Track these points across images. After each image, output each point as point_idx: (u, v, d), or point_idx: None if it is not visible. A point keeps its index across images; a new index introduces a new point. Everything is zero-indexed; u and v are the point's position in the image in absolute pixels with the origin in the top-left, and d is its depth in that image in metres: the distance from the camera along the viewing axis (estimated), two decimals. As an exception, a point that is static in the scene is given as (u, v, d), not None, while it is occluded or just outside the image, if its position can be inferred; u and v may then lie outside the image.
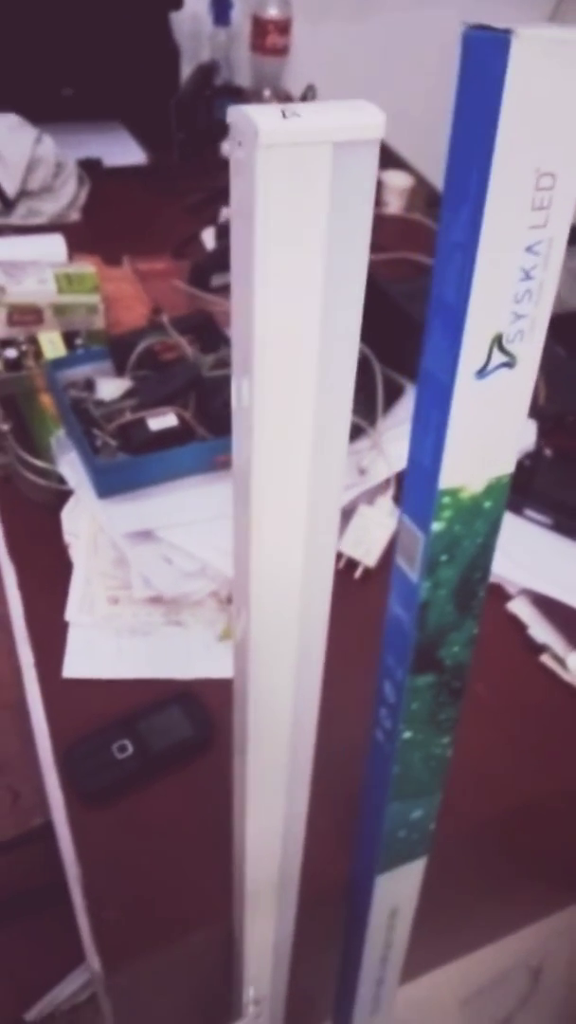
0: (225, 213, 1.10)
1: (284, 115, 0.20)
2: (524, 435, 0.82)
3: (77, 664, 0.61)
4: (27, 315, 0.74)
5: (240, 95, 1.37)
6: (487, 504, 0.35)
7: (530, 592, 0.69)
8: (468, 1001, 0.97)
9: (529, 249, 0.29)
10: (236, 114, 0.21)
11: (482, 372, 0.31)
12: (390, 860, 0.49)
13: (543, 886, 0.84)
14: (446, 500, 0.34)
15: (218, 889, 0.50)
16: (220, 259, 0.91)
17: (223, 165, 1.23)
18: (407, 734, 0.42)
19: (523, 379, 0.32)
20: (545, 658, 0.65)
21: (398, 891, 0.51)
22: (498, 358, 0.31)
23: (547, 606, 0.68)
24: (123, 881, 0.51)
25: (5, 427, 0.70)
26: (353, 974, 0.56)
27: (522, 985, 1.00)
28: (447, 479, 0.33)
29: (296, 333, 0.24)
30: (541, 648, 0.66)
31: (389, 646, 0.41)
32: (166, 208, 1.16)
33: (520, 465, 0.80)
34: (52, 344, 0.74)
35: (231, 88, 1.36)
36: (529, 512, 0.75)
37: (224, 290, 0.90)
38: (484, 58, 0.25)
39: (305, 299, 0.23)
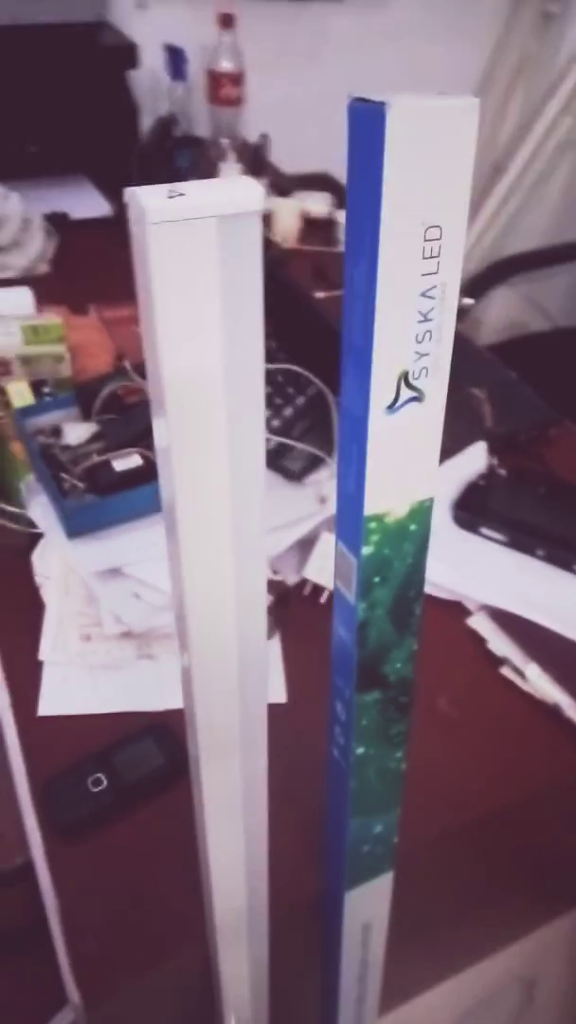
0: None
1: (170, 195, 0.22)
2: (476, 457, 0.85)
3: (52, 702, 0.63)
4: (-6, 367, 0.76)
5: (198, 144, 1.42)
6: (412, 527, 0.38)
7: (489, 607, 0.71)
8: (464, 1018, 0.97)
9: (424, 294, 0.31)
10: (130, 195, 0.23)
11: (392, 407, 0.34)
12: (357, 876, 0.50)
13: (526, 899, 0.85)
14: (373, 525, 0.36)
15: (196, 915, 0.51)
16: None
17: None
18: (360, 750, 0.44)
19: (432, 411, 0.35)
20: (505, 670, 0.67)
21: (368, 907, 0.53)
22: (406, 393, 0.34)
23: (505, 620, 0.70)
24: (101, 912, 0.53)
25: (-24, 475, 0.73)
26: (332, 993, 0.57)
27: (516, 999, 1.00)
28: (372, 506, 0.36)
29: (201, 379, 0.26)
30: (501, 661, 0.68)
31: (336, 666, 0.43)
32: (131, 256, 1.20)
33: (475, 485, 0.83)
34: (20, 394, 0.77)
35: (190, 139, 1.41)
36: (484, 531, 0.78)
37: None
38: (366, 127, 0.28)
39: (206, 351, 0.26)
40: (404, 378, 0.33)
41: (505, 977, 1.00)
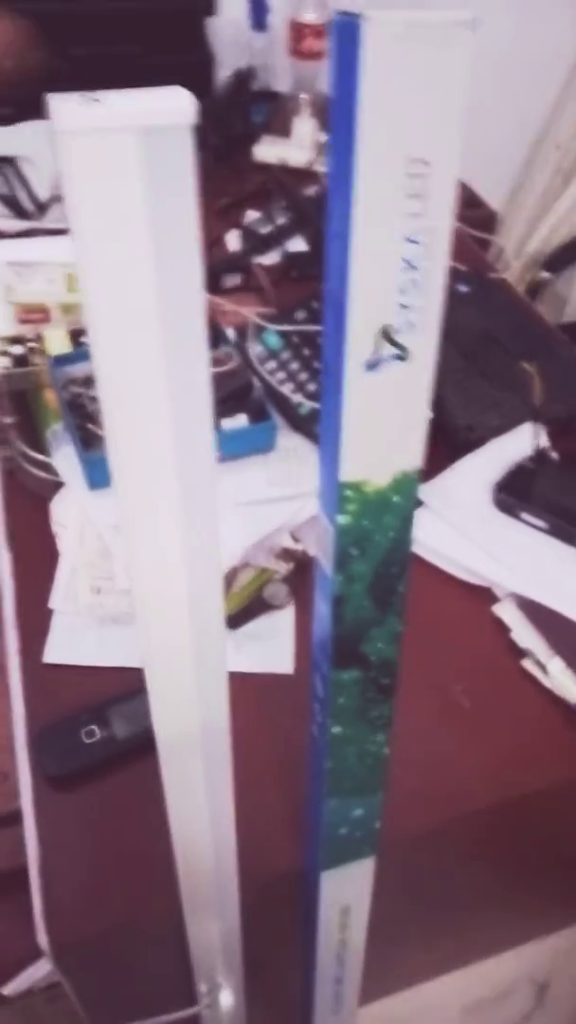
0: (249, 216, 1.12)
1: (88, 103, 0.20)
2: (526, 437, 0.80)
3: (58, 650, 0.63)
4: (34, 313, 0.76)
5: (276, 99, 1.38)
6: (395, 499, 0.35)
7: (517, 596, 0.67)
8: (470, 1010, 0.95)
9: (408, 239, 0.28)
10: (51, 102, 0.21)
11: (372, 364, 0.31)
12: (333, 857, 0.48)
13: (540, 900, 0.82)
14: (349, 493, 0.34)
15: (171, 878, 0.50)
16: (231, 261, 0.92)
17: (255, 169, 1.25)
18: (336, 729, 0.42)
19: (419, 373, 0.32)
20: (527, 663, 0.63)
21: (347, 889, 0.51)
22: (388, 350, 0.31)
23: (533, 611, 0.66)
24: (79, 863, 0.53)
25: (8, 421, 0.73)
26: (310, 972, 0.56)
27: (527, 999, 0.97)
28: (348, 472, 0.33)
29: (128, 309, 0.24)
30: (523, 653, 0.64)
31: (315, 641, 0.41)
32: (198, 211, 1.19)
33: (521, 467, 0.79)
34: (58, 342, 0.76)
35: (267, 93, 1.37)
36: (525, 515, 0.73)
37: (233, 291, 0.91)
38: (343, 43, 0.25)
39: (132, 277, 0.24)
40: (385, 332, 0.30)
41: (517, 976, 0.97)
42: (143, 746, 0.57)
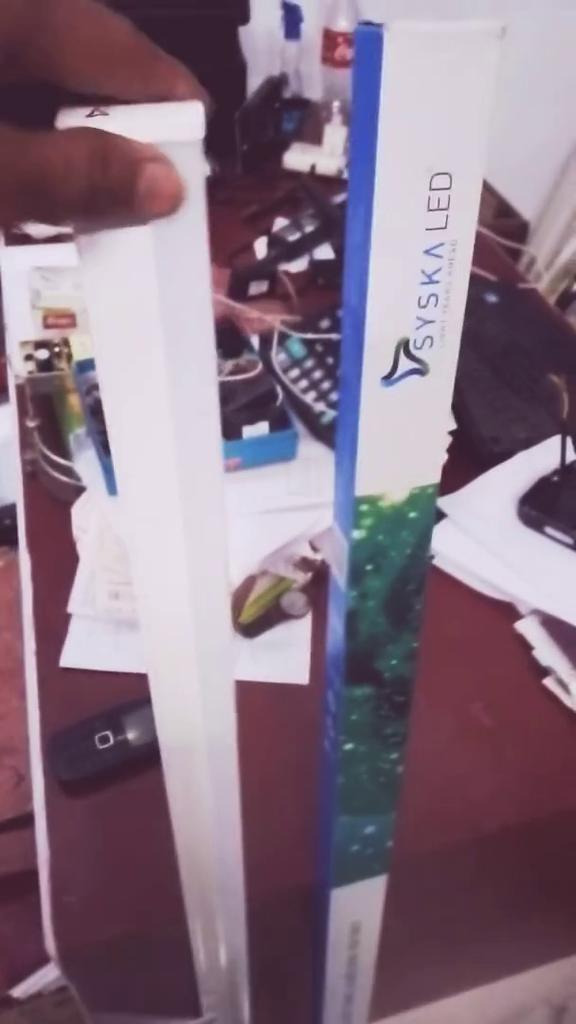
0: (278, 223, 1.11)
1: (91, 115, 0.20)
2: (549, 450, 0.79)
3: (75, 654, 0.63)
4: (61, 318, 0.77)
5: (307, 107, 1.38)
6: (412, 514, 0.34)
7: (541, 613, 0.66)
8: (483, 1033, 0.93)
9: (429, 251, 0.28)
10: (61, 116, 0.21)
11: (390, 379, 0.30)
12: (345, 874, 0.48)
13: (558, 921, 0.80)
14: (365, 508, 0.33)
15: (179, 889, 0.50)
16: (259, 268, 0.92)
17: (284, 176, 1.25)
18: (348, 745, 0.41)
19: (438, 388, 0.31)
20: (548, 681, 0.62)
21: (357, 907, 0.50)
22: (406, 364, 0.30)
23: (557, 629, 0.65)
24: (88, 868, 0.52)
25: (32, 424, 0.74)
26: (319, 989, 0.55)
27: (542, 1021, 0.95)
28: (364, 486, 0.33)
29: (133, 319, 0.24)
30: (546, 671, 0.63)
31: (329, 654, 0.40)
32: (225, 218, 1.19)
33: (546, 481, 0.77)
34: (83, 347, 0.77)
35: (298, 100, 1.38)
36: (550, 530, 0.72)
37: (259, 298, 0.91)
38: (365, 53, 0.25)
39: (138, 290, 0.23)
40: (404, 347, 0.30)
41: (533, 999, 0.95)
42: (156, 753, 0.57)
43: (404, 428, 0.32)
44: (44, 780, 0.56)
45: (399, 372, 0.30)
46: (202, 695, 0.35)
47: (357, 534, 0.34)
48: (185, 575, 0.31)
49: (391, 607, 0.37)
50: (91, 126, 0.20)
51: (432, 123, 0.26)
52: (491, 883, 0.66)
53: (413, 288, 0.28)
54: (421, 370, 0.30)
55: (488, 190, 1.31)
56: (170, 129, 0.20)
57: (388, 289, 0.28)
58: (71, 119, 0.20)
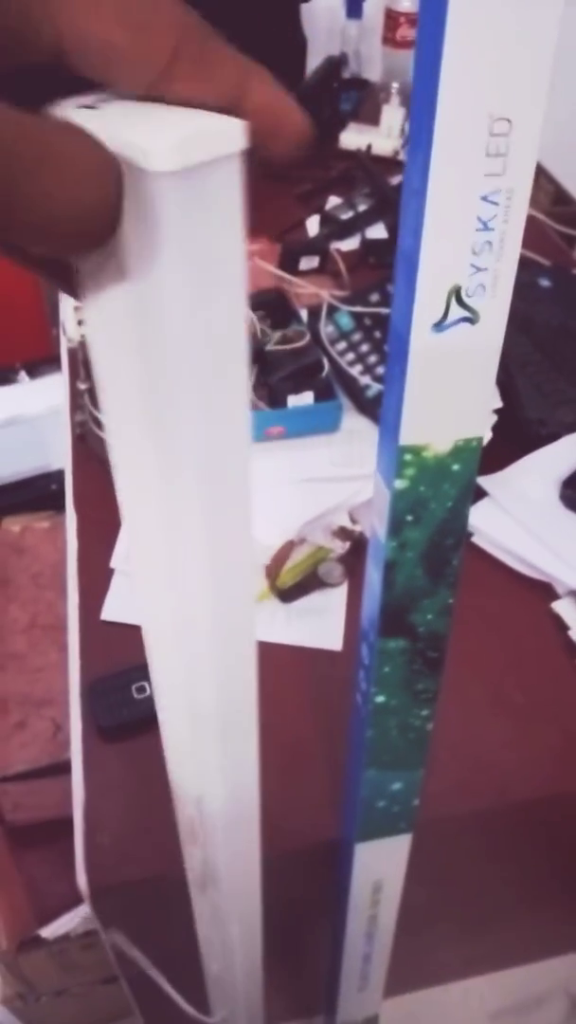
0: (331, 201, 1.12)
1: (82, 107, 0.19)
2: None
3: (115, 608, 0.65)
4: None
5: (366, 87, 1.38)
6: (455, 467, 0.35)
7: (578, 593, 0.66)
8: (498, 1016, 0.94)
9: (485, 198, 0.28)
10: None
11: (440, 325, 0.31)
12: (369, 829, 0.49)
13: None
14: (408, 458, 0.34)
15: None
16: (310, 244, 0.92)
17: (339, 156, 1.25)
18: (380, 698, 0.42)
19: (488, 337, 0.31)
20: (582, 662, 0.62)
21: (380, 864, 0.51)
22: (457, 312, 0.30)
23: (593, 609, 0.64)
24: (121, 812, 0.54)
25: (83, 387, 0.75)
26: (338, 945, 0.56)
27: (559, 1010, 0.95)
28: (408, 435, 0.33)
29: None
30: (580, 651, 0.63)
31: (365, 607, 0.41)
32: (279, 195, 1.19)
33: (590, 462, 0.77)
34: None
35: (358, 80, 1.37)
36: (592, 512, 0.72)
37: (310, 273, 0.92)
38: None
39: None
40: (456, 294, 0.30)
41: (550, 987, 0.95)
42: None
43: (451, 378, 0.32)
44: (82, 726, 0.58)
45: (450, 319, 0.31)
46: (220, 664, 0.33)
47: (399, 483, 0.34)
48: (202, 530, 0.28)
49: (429, 560, 0.37)
50: (73, 120, 0.17)
51: (495, 68, 0.26)
52: (513, 860, 0.67)
53: (468, 234, 0.29)
54: (472, 319, 0.31)
55: (545, 176, 1.29)
56: (156, 142, 0.17)
57: (443, 234, 0.29)
58: (61, 109, 0.19)
